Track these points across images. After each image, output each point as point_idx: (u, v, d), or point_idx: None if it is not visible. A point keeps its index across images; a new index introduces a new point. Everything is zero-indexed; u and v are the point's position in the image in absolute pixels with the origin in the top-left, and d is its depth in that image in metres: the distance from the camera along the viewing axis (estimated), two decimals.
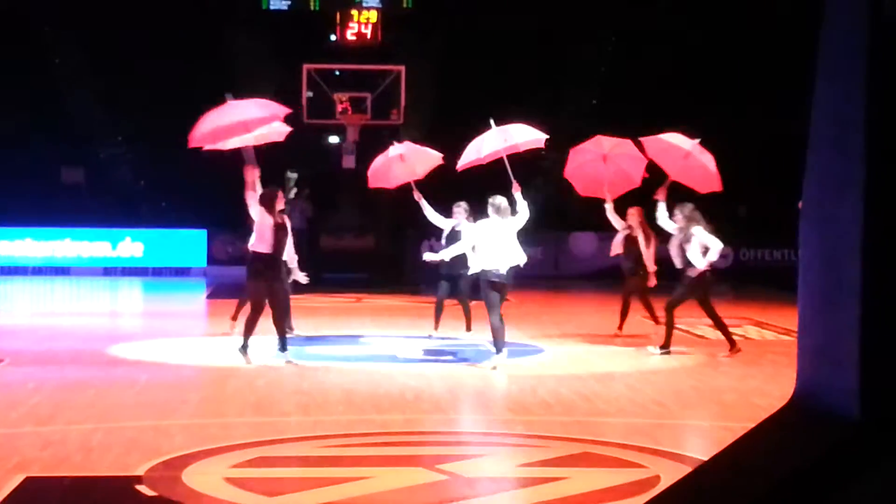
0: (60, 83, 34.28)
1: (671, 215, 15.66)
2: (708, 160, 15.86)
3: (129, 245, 30.44)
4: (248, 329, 14.31)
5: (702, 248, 15.32)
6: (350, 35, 32.90)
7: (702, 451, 8.97)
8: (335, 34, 33.12)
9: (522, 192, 14.40)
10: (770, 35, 32.70)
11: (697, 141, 15.92)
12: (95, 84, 34.22)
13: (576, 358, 15.36)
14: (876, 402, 3.81)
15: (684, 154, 15.71)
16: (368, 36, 32.85)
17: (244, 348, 14.28)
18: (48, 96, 33.41)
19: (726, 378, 13.70)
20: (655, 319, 17.20)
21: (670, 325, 15.63)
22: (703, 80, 33.67)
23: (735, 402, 12.02)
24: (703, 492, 4.25)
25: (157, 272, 30.20)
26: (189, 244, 30.67)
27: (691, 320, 19.69)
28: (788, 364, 13.14)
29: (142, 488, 8.10)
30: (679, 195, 15.81)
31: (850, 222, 3.83)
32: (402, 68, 29.96)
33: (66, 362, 14.38)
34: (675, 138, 16.03)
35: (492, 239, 14.06)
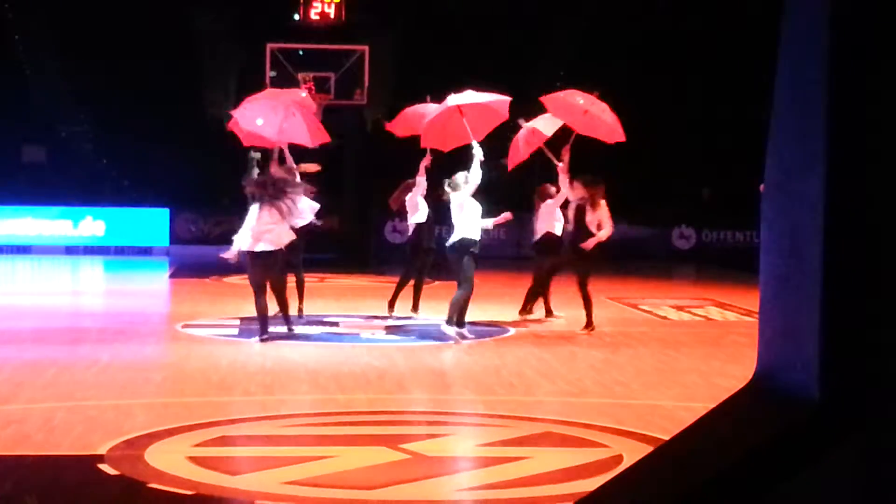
0: (22, 61, 34.02)
1: (571, 185, 15.90)
2: (608, 115, 15.95)
3: (91, 224, 30.26)
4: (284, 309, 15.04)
5: (598, 221, 15.57)
6: (314, 14, 32.72)
7: (664, 431, 9.01)
8: (299, 13, 32.95)
9: (482, 163, 14.68)
10: (735, 18, 32.80)
11: (596, 95, 16.06)
12: (57, 62, 33.98)
13: (539, 338, 15.40)
14: (836, 384, 3.83)
15: (583, 111, 15.86)
16: (332, 15, 32.67)
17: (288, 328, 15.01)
18: (9, 74, 33.16)
19: (688, 359, 13.78)
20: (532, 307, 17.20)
21: (589, 302, 15.74)
22: (669, 62, 33.74)
23: (697, 383, 12.09)
24: (665, 471, 4.28)
25: (120, 251, 30.04)
26: (151, 223, 30.52)
27: (655, 301, 19.82)
28: (750, 345, 13.22)
29: (104, 467, 8.08)
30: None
31: (812, 204, 3.85)
32: (366, 48, 29.86)
33: (28, 341, 14.31)
34: (572, 96, 16.19)
35: (457, 215, 14.67)
